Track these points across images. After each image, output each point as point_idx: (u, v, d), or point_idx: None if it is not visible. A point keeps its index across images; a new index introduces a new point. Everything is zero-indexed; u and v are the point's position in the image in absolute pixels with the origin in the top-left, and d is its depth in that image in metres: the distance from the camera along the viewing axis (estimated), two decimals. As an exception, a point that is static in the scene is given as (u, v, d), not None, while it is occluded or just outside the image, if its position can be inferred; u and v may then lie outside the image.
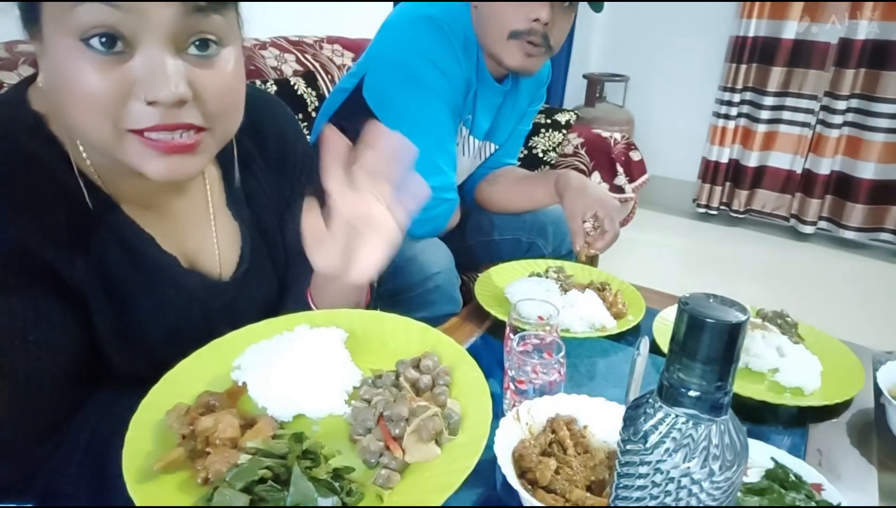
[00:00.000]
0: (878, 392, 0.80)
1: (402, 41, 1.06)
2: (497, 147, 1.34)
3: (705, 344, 0.35)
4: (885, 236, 2.84)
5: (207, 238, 0.70)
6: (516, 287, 0.97)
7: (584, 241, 1.13)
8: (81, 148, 0.58)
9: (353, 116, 1.14)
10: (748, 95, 3.04)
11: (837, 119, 2.82)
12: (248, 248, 0.73)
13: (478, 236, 1.39)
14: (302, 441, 0.51)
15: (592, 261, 1.16)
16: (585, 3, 1.11)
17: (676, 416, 0.38)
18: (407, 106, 1.06)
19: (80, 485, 0.56)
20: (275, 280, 0.78)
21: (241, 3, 0.57)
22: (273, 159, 0.76)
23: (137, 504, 0.44)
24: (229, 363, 0.61)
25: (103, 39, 0.48)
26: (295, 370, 0.58)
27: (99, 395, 0.59)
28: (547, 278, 1.02)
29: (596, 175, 1.89)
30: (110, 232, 0.60)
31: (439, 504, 0.46)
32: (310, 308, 0.72)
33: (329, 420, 0.58)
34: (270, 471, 0.47)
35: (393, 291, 1.08)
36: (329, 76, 1.63)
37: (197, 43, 0.52)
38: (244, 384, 0.59)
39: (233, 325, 0.68)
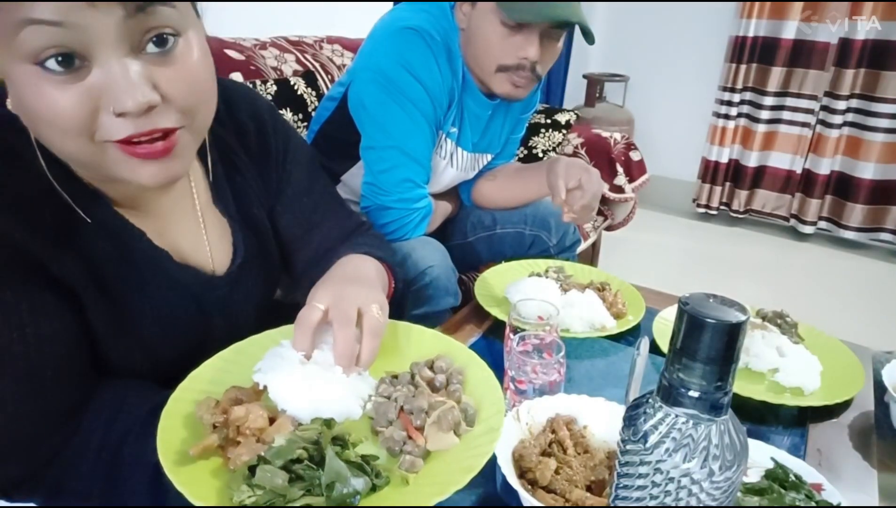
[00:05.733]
0: (879, 392, 0.80)
1: (383, 52, 1.06)
2: (492, 156, 1.33)
3: (705, 344, 0.35)
4: (884, 236, 2.84)
5: (197, 237, 0.70)
6: (516, 287, 0.97)
7: (565, 201, 1.10)
8: None
9: (341, 126, 1.14)
10: (748, 95, 3.04)
11: (837, 119, 2.82)
12: (241, 243, 0.73)
13: (480, 232, 1.39)
14: (331, 427, 0.54)
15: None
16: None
17: (676, 416, 0.38)
18: (385, 119, 1.06)
19: (93, 484, 0.56)
20: (269, 273, 0.77)
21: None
22: (255, 153, 0.76)
23: (177, 486, 0.47)
24: (250, 367, 0.62)
25: (59, 59, 0.46)
26: (313, 375, 0.59)
27: (108, 393, 0.59)
28: (547, 278, 1.02)
29: (596, 175, 1.89)
30: (97, 226, 0.60)
31: (463, 484, 0.49)
32: None
33: (348, 420, 0.60)
34: (306, 451, 0.50)
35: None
36: (329, 76, 1.63)
37: (154, 40, 0.50)
38: (265, 387, 0.59)
39: (228, 319, 0.68)
